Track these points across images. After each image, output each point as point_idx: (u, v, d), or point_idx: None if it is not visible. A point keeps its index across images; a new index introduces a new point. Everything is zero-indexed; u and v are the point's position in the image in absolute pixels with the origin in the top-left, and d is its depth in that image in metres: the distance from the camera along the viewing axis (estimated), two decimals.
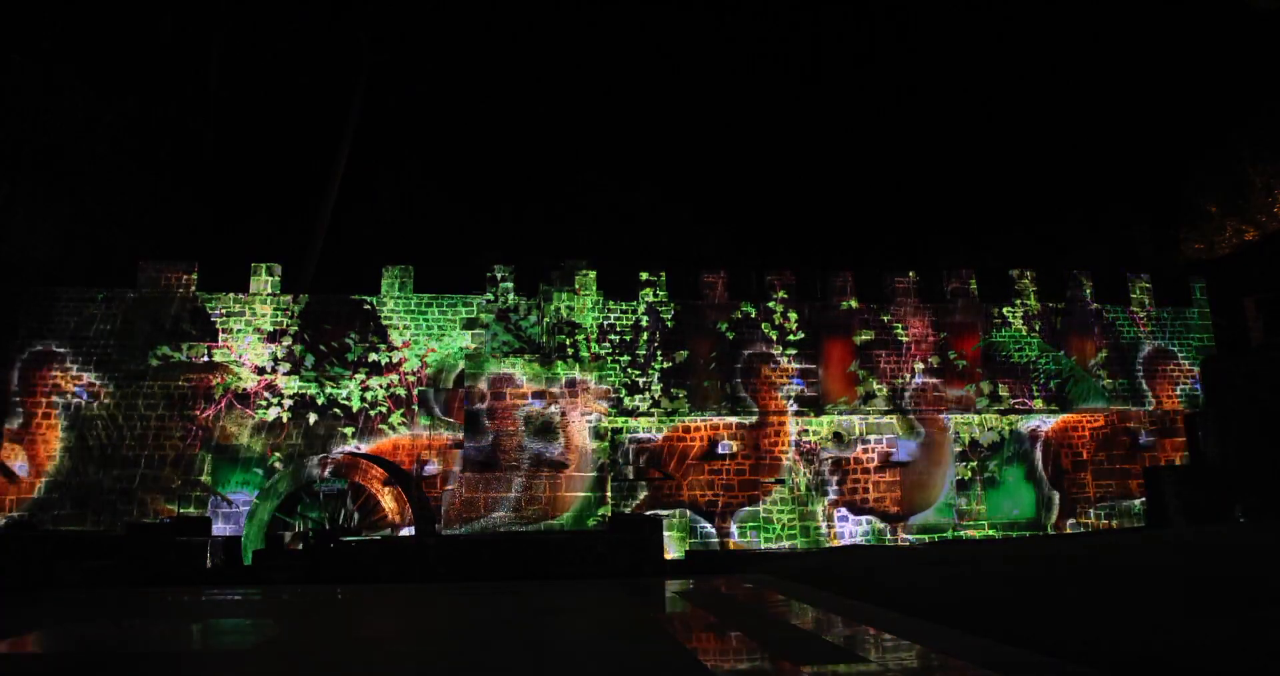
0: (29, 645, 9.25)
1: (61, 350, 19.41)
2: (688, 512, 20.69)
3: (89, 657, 8.52)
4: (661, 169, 32.18)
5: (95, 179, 21.35)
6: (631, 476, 20.75)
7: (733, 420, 21.12)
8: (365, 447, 19.68)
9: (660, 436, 20.94)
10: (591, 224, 28.66)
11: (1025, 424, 22.16)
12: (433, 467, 19.73)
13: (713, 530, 20.65)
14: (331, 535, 16.67)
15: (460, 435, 19.67)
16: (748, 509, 20.78)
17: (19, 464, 18.84)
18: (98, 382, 19.35)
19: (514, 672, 7.44)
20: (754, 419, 21.18)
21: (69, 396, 19.23)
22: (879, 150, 34.95)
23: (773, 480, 20.97)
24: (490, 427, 19.31)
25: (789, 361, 21.61)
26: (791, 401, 21.39)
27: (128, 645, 9.26)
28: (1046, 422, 22.20)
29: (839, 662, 7.52)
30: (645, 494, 20.74)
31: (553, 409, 19.35)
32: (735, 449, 20.99)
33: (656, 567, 15.30)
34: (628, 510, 20.33)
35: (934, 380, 21.98)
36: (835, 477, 21.20)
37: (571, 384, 19.69)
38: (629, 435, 20.78)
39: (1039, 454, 22.19)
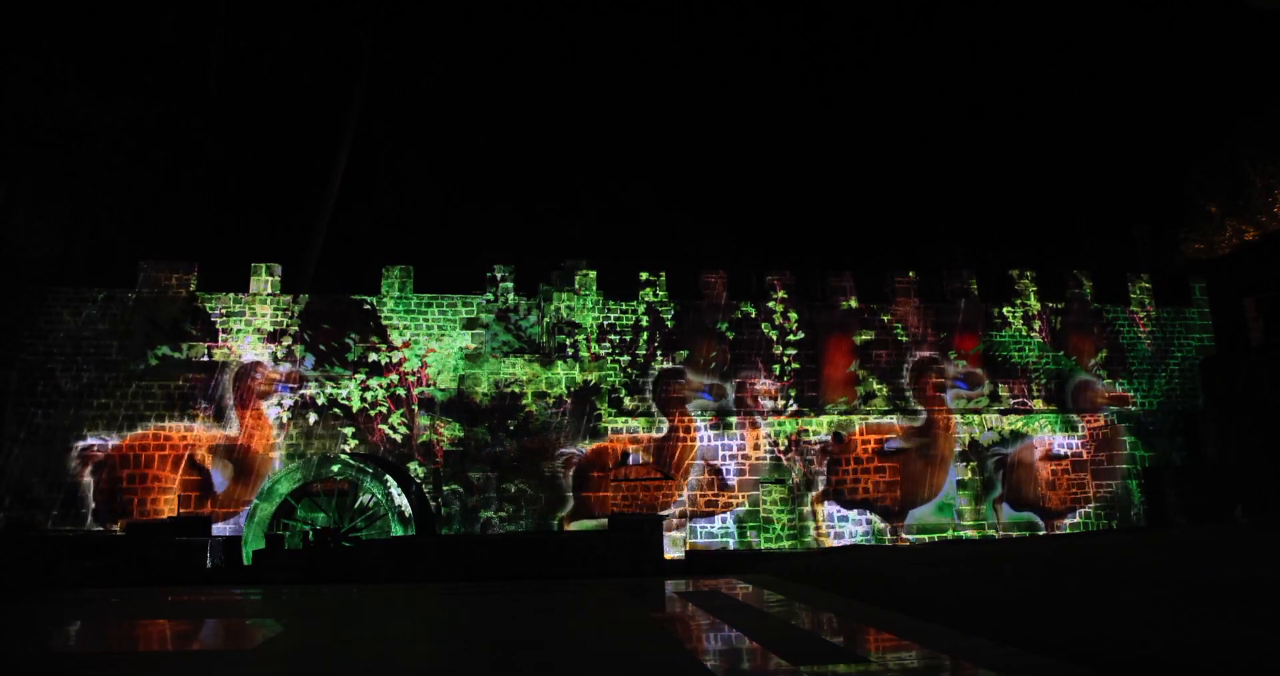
0: (30, 645, 9.25)
1: None
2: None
3: (89, 658, 8.52)
4: (661, 169, 32.19)
5: (95, 179, 21.34)
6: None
7: (733, 420, 21.11)
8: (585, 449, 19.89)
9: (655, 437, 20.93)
10: (591, 224, 28.65)
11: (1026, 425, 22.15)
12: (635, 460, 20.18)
13: (714, 530, 20.67)
14: (331, 535, 16.68)
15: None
16: (746, 508, 20.78)
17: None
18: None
19: (514, 672, 7.44)
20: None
21: None
22: (879, 150, 34.95)
23: (773, 480, 20.97)
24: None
25: (786, 360, 21.60)
26: (791, 402, 21.38)
27: (127, 645, 9.26)
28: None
29: (839, 662, 7.52)
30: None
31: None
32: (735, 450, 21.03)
33: (656, 567, 15.31)
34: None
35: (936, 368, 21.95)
36: (828, 473, 21.07)
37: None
38: (629, 435, 20.76)
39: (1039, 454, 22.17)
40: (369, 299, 20.57)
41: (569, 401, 20.52)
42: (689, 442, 20.98)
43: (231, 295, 20.24)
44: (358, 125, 27.20)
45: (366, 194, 28.62)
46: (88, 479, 18.97)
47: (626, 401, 20.86)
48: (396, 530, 18.04)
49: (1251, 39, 29.20)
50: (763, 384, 21.45)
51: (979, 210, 32.72)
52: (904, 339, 22.16)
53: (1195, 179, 26.28)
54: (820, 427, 21.35)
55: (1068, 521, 21.82)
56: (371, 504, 18.82)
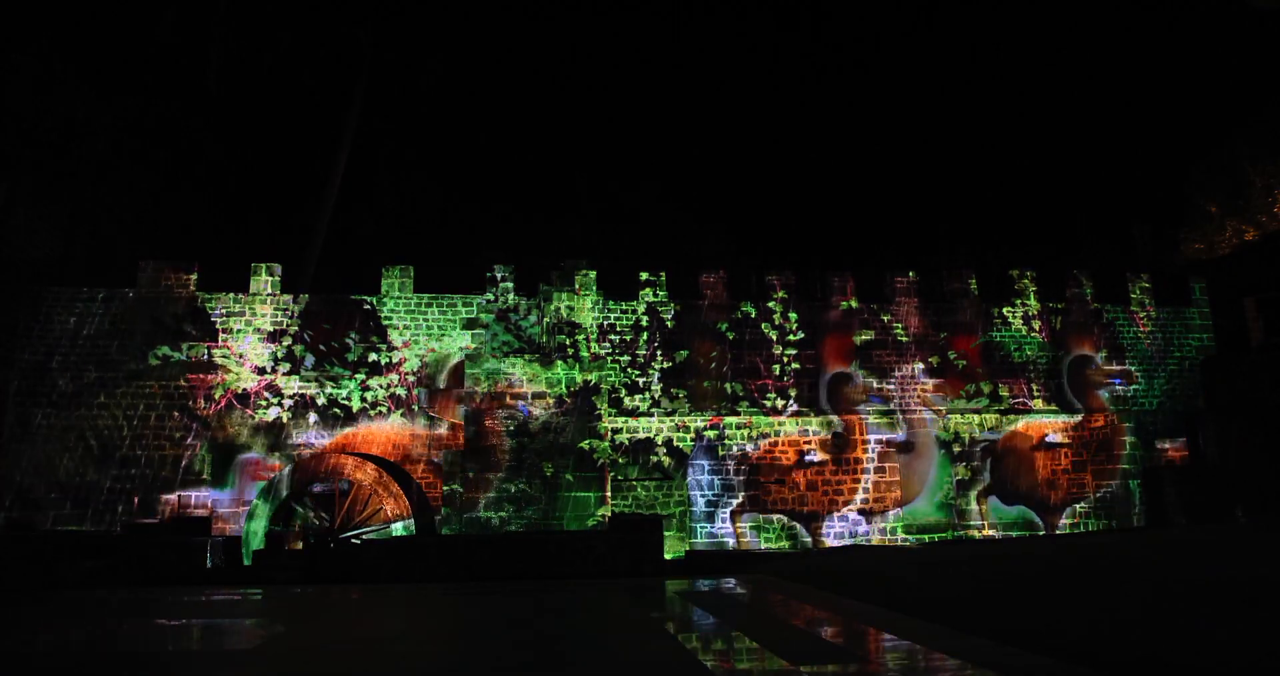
0: (31, 645, 9.25)
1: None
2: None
3: (90, 658, 8.52)
4: (661, 169, 32.19)
5: (95, 179, 21.34)
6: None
7: (732, 420, 21.11)
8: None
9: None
10: (591, 224, 28.65)
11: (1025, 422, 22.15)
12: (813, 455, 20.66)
13: (714, 530, 20.67)
14: (331, 535, 16.67)
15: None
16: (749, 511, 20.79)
17: None
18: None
19: (514, 673, 7.44)
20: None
21: None
22: (879, 150, 34.95)
23: (774, 480, 20.97)
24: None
25: (787, 361, 21.61)
26: (791, 402, 21.39)
27: (128, 645, 9.26)
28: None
29: (839, 662, 7.53)
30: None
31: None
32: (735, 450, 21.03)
33: (656, 567, 15.32)
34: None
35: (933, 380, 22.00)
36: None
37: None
38: (629, 435, 20.78)
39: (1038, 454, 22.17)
40: (369, 299, 20.57)
41: (569, 401, 20.50)
42: (862, 441, 21.33)
43: (231, 295, 20.24)
44: (358, 125, 27.20)
45: (366, 194, 28.63)
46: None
47: (626, 401, 20.87)
48: (396, 530, 18.05)
49: (1251, 39, 29.20)
50: (929, 382, 21.86)
51: (979, 210, 32.73)
52: (904, 339, 22.17)
53: (1195, 179, 26.26)
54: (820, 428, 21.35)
55: (1065, 521, 21.81)
56: (371, 504, 18.83)
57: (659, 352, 21.22)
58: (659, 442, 20.83)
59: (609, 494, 19.94)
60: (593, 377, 20.63)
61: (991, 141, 34.53)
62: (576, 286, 21.20)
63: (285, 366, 19.94)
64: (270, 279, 20.47)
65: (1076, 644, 7.53)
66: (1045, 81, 35.71)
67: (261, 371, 19.87)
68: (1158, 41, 33.16)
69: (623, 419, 20.74)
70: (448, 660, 8.12)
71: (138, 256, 20.49)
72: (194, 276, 20.24)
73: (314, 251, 25.25)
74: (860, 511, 21.09)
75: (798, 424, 21.30)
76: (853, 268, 22.69)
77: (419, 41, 28.34)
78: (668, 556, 17.47)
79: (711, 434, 21.00)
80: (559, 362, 20.55)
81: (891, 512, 21.12)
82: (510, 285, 21.03)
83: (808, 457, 21.19)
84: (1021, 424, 22.18)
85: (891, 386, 21.82)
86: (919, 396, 21.86)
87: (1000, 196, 32.86)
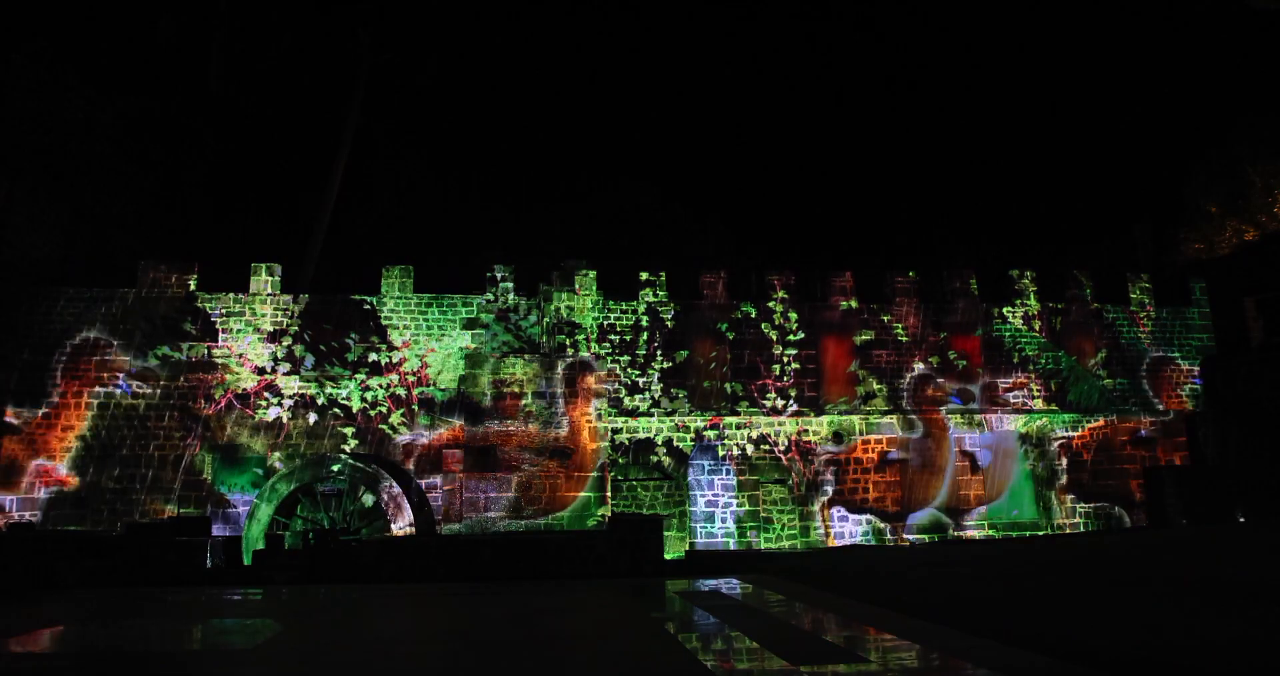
0: (31, 645, 9.24)
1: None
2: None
3: (90, 658, 8.52)
4: (661, 169, 32.22)
5: (95, 179, 21.33)
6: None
7: (732, 420, 21.11)
8: None
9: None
10: (591, 224, 28.65)
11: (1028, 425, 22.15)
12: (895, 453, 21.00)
13: (713, 530, 20.68)
14: (332, 535, 16.67)
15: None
16: (746, 508, 20.78)
17: None
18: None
19: (514, 673, 7.44)
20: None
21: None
22: (880, 150, 34.96)
23: (772, 479, 20.97)
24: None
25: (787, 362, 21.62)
26: (791, 402, 21.39)
27: (128, 645, 9.26)
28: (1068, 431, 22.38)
29: (839, 662, 7.52)
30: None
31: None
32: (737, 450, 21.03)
33: (656, 567, 15.31)
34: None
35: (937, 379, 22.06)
36: (832, 476, 21.19)
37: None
38: (629, 435, 20.78)
39: (1036, 455, 22.16)
40: (369, 299, 20.57)
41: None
42: (944, 440, 21.56)
43: (231, 295, 20.24)
44: (358, 125, 27.20)
45: (366, 194, 28.63)
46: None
47: (626, 401, 20.86)
48: (396, 530, 18.05)
49: (1251, 39, 29.21)
50: (1011, 379, 22.11)
51: (979, 210, 32.75)
52: (904, 339, 22.17)
53: (1195, 179, 26.26)
54: (821, 428, 21.35)
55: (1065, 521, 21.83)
56: (371, 504, 18.83)
57: (659, 352, 21.21)
58: (659, 442, 20.84)
59: (609, 494, 19.95)
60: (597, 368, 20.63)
61: (992, 141, 34.56)
62: (576, 286, 21.19)
63: (285, 366, 19.93)
64: (270, 279, 20.47)
65: (1076, 644, 7.53)
66: (1045, 81, 35.74)
67: (261, 371, 19.87)
68: (1158, 41, 33.19)
69: (623, 419, 20.74)
70: (447, 660, 8.11)
71: (138, 256, 20.49)
72: (194, 276, 20.23)
73: (314, 251, 25.25)
74: (943, 509, 21.30)
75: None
76: (853, 268, 22.70)
77: (419, 41, 28.34)
78: (668, 556, 17.46)
79: (711, 434, 21.00)
80: (559, 362, 20.55)
81: (975, 511, 21.39)
82: (510, 285, 21.03)
83: (890, 456, 21.38)
84: (1101, 421, 22.40)
85: (972, 386, 22.05)
86: (998, 395, 22.06)
87: (1000, 196, 32.89)
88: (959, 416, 21.80)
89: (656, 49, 37.49)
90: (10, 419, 18.91)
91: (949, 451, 21.65)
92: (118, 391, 19.38)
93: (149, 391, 19.47)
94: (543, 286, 21.18)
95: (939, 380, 21.95)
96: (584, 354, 20.52)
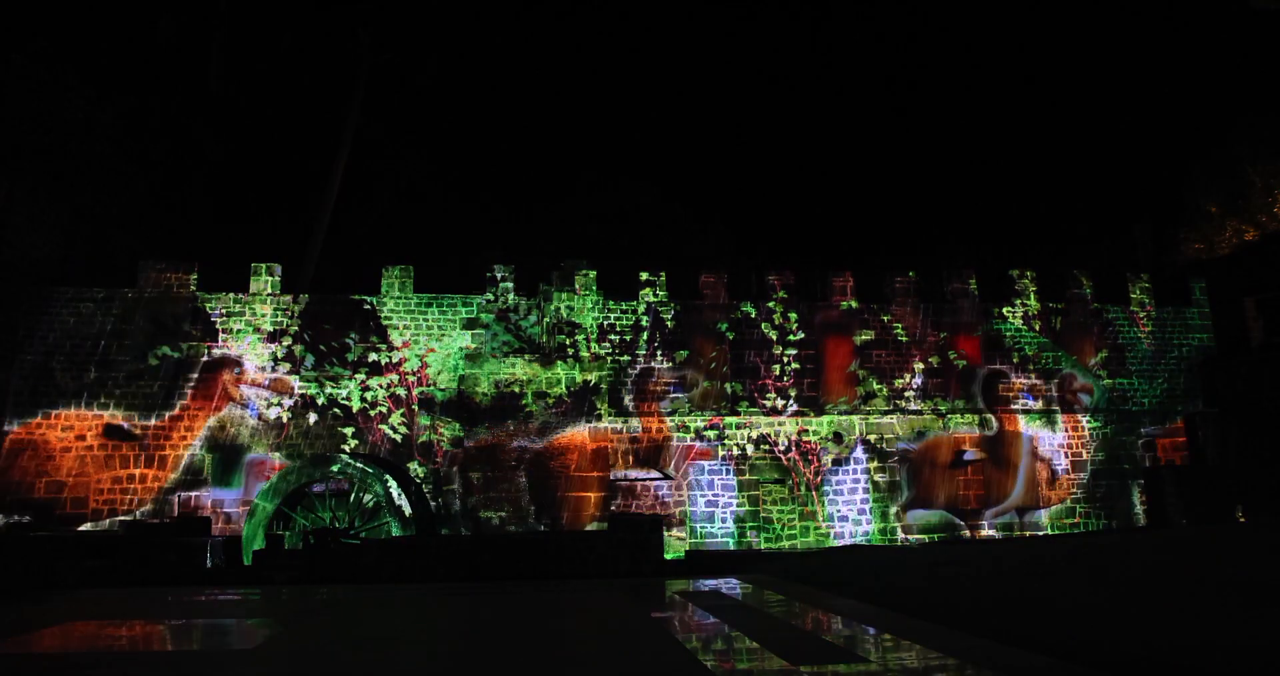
0: (31, 645, 9.24)
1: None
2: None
3: (90, 658, 8.52)
4: (661, 169, 32.22)
5: (95, 179, 21.33)
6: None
7: (732, 420, 21.12)
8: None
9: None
10: (591, 224, 28.65)
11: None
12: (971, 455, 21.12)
13: (713, 530, 20.69)
14: (331, 535, 16.66)
15: None
16: (746, 508, 20.79)
17: None
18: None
19: (514, 673, 7.45)
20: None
21: None
22: (880, 150, 34.96)
23: (772, 479, 20.97)
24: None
25: (788, 361, 21.63)
26: (791, 402, 21.40)
27: (128, 645, 9.26)
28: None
29: (839, 662, 7.52)
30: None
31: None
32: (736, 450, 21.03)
33: (656, 567, 15.31)
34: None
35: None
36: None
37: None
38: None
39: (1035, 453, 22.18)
40: (369, 299, 20.57)
41: (569, 401, 20.51)
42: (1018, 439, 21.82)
43: (232, 295, 20.24)
44: (358, 125, 27.19)
45: (366, 194, 28.62)
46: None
47: (627, 400, 20.86)
48: (396, 530, 18.05)
49: (1251, 39, 29.21)
50: (1081, 381, 22.38)
51: (979, 210, 32.75)
52: (904, 339, 22.18)
53: (1195, 179, 26.26)
54: (821, 428, 21.35)
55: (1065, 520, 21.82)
56: (371, 504, 18.82)
57: (659, 353, 21.21)
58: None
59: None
60: (592, 378, 20.65)
61: (992, 141, 34.56)
62: (576, 286, 21.19)
63: (285, 366, 19.94)
64: (270, 279, 20.47)
65: (1077, 644, 7.53)
66: (1045, 82, 35.76)
67: (262, 371, 19.86)
68: (1158, 41, 33.20)
69: (622, 419, 20.73)
70: (447, 660, 8.12)
71: (138, 256, 20.50)
72: (194, 276, 20.23)
73: (314, 251, 25.24)
74: (1018, 508, 21.50)
75: (798, 423, 21.27)
76: (853, 267, 22.70)
77: (419, 41, 28.34)
78: (668, 556, 17.47)
79: (711, 434, 21.00)
80: (559, 362, 20.55)
81: (1045, 510, 21.60)
82: (510, 285, 21.03)
83: (965, 456, 21.51)
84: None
85: (1044, 383, 22.23)
86: (1070, 394, 22.30)
87: (1000, 196, 32.89)
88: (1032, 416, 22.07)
89: (656, 49, 37.51)
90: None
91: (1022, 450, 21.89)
92: (118, 391, 19.37)
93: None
94: (543, 286, 21.18)
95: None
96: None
